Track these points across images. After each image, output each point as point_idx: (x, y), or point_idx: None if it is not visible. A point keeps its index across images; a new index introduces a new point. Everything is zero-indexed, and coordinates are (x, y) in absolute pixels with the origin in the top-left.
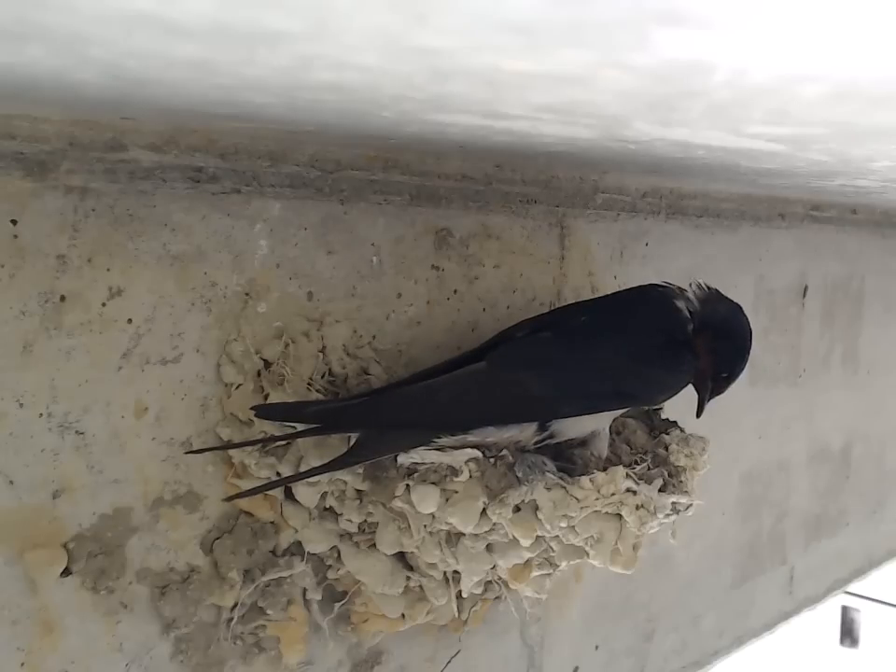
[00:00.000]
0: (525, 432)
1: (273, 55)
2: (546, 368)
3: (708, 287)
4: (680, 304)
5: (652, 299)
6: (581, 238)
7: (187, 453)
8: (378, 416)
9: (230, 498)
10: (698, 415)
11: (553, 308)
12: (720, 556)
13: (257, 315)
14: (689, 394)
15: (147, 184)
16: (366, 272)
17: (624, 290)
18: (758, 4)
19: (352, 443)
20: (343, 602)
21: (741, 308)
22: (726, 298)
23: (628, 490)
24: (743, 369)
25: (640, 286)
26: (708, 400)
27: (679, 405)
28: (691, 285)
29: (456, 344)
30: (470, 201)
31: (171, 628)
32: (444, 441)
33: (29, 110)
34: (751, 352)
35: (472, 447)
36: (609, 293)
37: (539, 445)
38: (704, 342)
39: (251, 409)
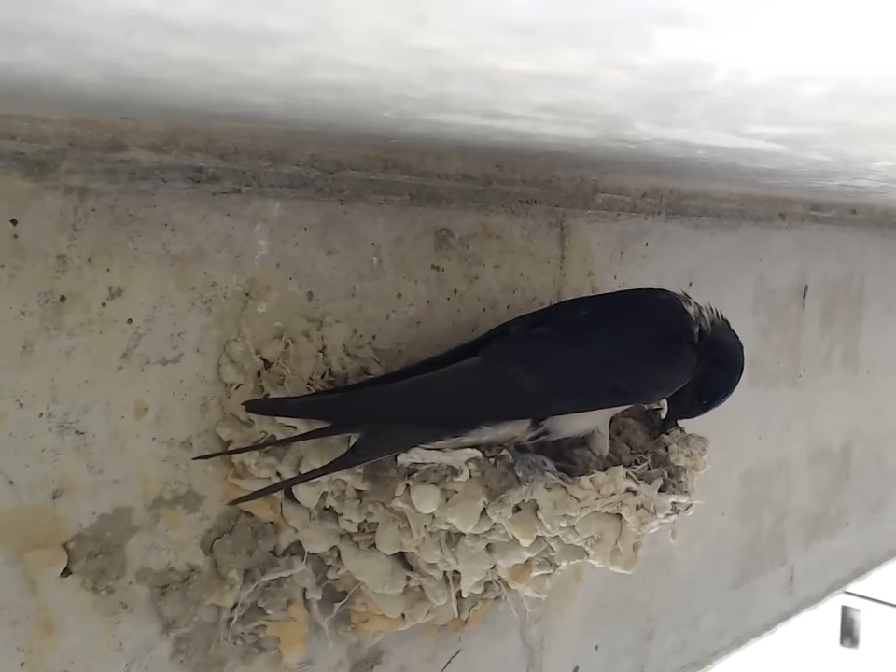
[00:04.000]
0: (520, 428)
1: (274, 55)
2: (540, 363)
3: (722, 317)
4: (689, 309)
5: (659, 299)
6: (581, 238)
7: (195, 458)
8: (369, 410)
9: (234, 502)
10: (661, 431)
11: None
12: (720, 556)
13: (257, 314)
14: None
15: (147, 184)
16: (366, 272)
17: (629, 290)
18: (758, 4)
19: (353, 443)
20: (343, 602)
21: (742, 346)
22: (733, 331)
23: (628, 490)
24: (722, 402)
25: (647, 288)
26: (677, 420)
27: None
28: (710, 308)
29: (456, 345)
30: (470, 201)
31: (171, 628)
32: (443, 443)
33: (29, 110)
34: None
35: (471, 447)
36: (610, 291)
37: (534, 441)
38: (702, 362)
39: (242, 404)
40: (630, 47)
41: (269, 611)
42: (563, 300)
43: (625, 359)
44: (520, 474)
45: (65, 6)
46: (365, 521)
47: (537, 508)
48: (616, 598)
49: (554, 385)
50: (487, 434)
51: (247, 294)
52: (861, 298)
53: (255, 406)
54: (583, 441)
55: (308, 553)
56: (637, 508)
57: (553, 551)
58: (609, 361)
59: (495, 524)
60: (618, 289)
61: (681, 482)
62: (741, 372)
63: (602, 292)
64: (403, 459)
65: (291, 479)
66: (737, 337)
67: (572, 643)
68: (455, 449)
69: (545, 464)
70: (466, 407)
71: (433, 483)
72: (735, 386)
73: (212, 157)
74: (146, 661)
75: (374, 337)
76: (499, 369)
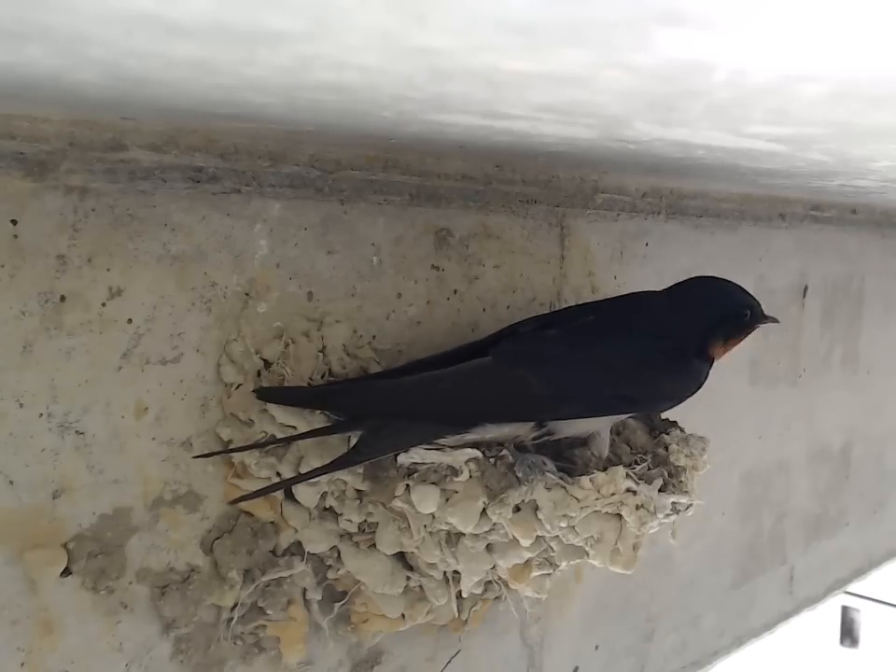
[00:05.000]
0: (524, 427)
1: (274, 55)
2: (548, 366)
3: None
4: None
5: (661, 305)
6: (581, 238)
7: (195, 457)
8: (378, 403)
9: (234, 501)
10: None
11: (554, 308)
12: (720, 556)
13: (257, 314)
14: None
15: (147, 184)
16: (366, 272)
17: (639, 292)
18: (758, 4)
19: (354, 443)
20: (343, 602)
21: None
22: (679, 285)
23: (628, 490)
24: (749, 297)
25: (653, 290)
26: (767, 320)
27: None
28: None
29: (456, 345)
30: (470, 201)
31: (171, 628)
32: (445, 440)
33: (29, 110)
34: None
35: (472, 445)
36: (621, 294)
37: (537, 441)
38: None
39: (252, 391)
40: (630, 47)
41: (269, 611)
42: (563, 299)
43: (633, 367)
44: (520, 474)
45: (65, 6)
46: (365, 521)
47: (537, 508)
48: (616, 598)
49: (561, 390)
50: (491, 432)
51: (247, 294)
52: (861, 298)
53: (265, 393)
54: (584, 441)
55: (308, 553)
56: (637, 508)
57: (553, 551)
58: (616, 368)
59: (495, 524)
60: (620, 290)
61: (681, 482)
62: (715, 280)
63: (603, 293)
64: (403, 459)
65: (291, 478)
66: (686, 280)
67: (572, 643)
68: (457, 447)
69: (545, 464)
70: (472, 405)
71: (433, 483)
72: (731, 287)
73: (212, 157)
74: (146, 661)
75: (374, 337)
76: (508, 369)
